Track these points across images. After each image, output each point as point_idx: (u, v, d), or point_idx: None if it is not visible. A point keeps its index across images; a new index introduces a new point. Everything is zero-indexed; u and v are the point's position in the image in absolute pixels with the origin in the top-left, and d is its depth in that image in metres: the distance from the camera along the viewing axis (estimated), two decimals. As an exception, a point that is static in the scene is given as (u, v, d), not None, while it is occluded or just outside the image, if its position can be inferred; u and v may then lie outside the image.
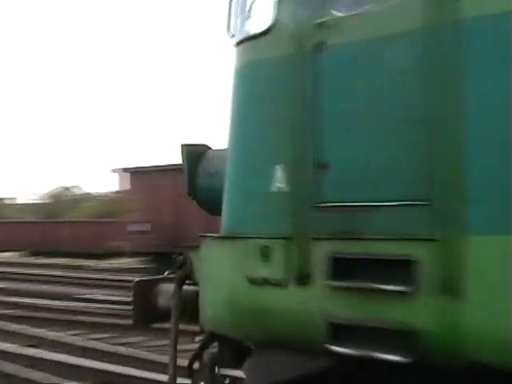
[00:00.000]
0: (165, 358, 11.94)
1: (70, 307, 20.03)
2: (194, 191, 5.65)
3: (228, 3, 5.07)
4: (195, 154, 5.65)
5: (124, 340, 14.92)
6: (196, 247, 5.08)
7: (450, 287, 3.62)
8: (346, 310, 3.98)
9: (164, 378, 10.78)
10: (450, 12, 3.69)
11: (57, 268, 34.59)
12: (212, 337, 5.38)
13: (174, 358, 5.24)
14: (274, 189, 4.33)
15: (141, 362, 11.95)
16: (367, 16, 4.02)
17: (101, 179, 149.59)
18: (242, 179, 4.63)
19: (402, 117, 3.84)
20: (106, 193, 51.99)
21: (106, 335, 15.54)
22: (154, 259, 25.09)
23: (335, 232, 4.06)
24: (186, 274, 5.20)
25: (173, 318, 5.23)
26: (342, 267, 3.98)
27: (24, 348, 13.55)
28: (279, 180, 4.30)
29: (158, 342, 14.27)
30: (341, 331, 3.98)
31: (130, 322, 17.45)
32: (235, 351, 5.05)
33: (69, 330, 16.23)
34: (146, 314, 5.53)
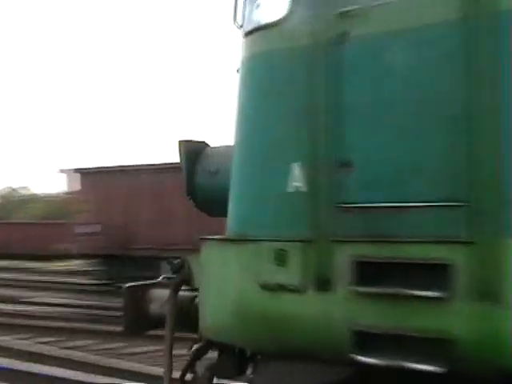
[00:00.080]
0: (115, 362, 11.80)
1: (17, 311, 19.53)
2: (192, 190, 5.31)
3: None
4: (193, 151, 5.31)
5: (71, 344, 14.61)
6: (183, 250, 4.78)
7: (488, 292, 3.43)
8: (373, 317, 3.75)
9: (112, 380, 10.57)
10: (487, 3, 3.52)
11: (3, 270, 33.67)
12: (207, 346, 5.10)
13: (170, 368, 4.93)
14: (290, 188, 4.06)
15: (90, 367, 11.66)
16: (396, 6, 3.80)
17: (48, 180, 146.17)
18: (253, 178, 4.32)
19: (437, 113, 3.64)
20: (58, 193, 50.78)
21: (53, 339, 15.23)
22: (104, 262, 24.55)
23: (360, 234, 3.82)
24: (183, 280, 4.89)
25: (167, 326, 4.91)
26: (368, 272, 3.75)
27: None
28: (296, 179, 4.03)
29: (107, 346, 14.17)
30: (366, 340, 3.75)
31: (77, 325, 17.14)
32: (237, 360, 4.77)
33: (15, 333, 15.75)
34: (137, 321, 5.18)
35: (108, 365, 11.56)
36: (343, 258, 3.82)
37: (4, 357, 12.62)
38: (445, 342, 3.52)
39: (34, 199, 59.78)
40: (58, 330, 16.19)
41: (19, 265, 36.79)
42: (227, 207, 4.68)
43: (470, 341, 3.48)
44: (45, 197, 58.56)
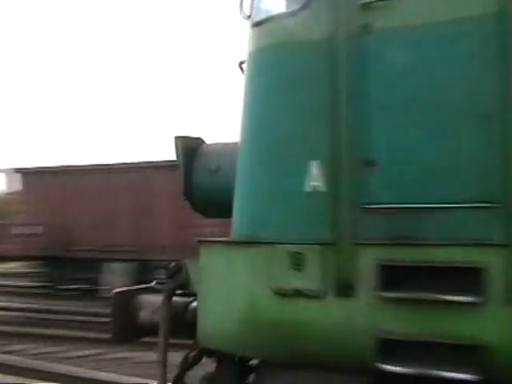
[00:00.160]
0: (55, 367, 11.39)
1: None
2: (190, 190, 4.99)
3: None
4: (191, 147, 5.01)
5: (8, 348, 14.16)
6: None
7: None
8: (399, 323, 3.57)
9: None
10: None
11: None
12: (199, 355, 4.83)
13: (164, 380, 4.63)
14: (307, 188, 3.83)
15: (27, 371, 11.27)
16: None
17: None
18: (265, 176, 4.06)
19: (469, 110, 3.49)
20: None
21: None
22: (45, 263, 23.82)
23: (384, 236, 3.63)
24: (179, 285, 4.60)
25: (161, 333, 4.62)
26: (393, 276, 3.57)
27: None
28: (314, 178, 3.81)
29: (43, 350, 13.90)
30: (391, 347, 3.57)
31: (17, 329, 16.57)
32: (237, 369, 4.52)
33: None
34: (126, 328, 4.86)
35: (47, 369, 11.19)
36: (367, 262, 3.63)
37: None
38: (477, 349, 3.38)
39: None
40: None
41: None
42: (227, 207, 4.42)
43: (504, 347, 3.36)
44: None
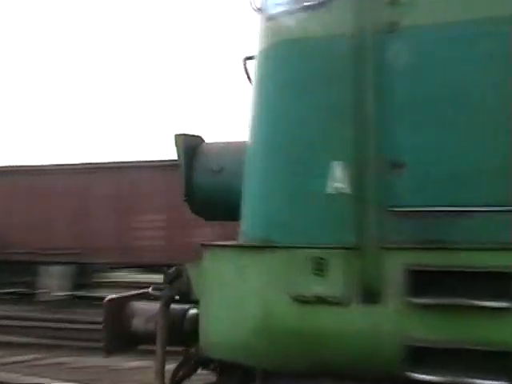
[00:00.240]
0: (20, 378, 10.91)
1: None
2: (191, 191, 4.74)
3: None
4: (191, 146, 4.75)
5: None
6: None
7: None
8: (428, 330, 3.46)
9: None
10: None
11: None
12: (196, 366, 4.62)
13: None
14: (329, 189, 3.68)
15: None
16: None
17: None
18: (282, 178, 3.87)
19: (501, 110, 3.42)
20: None
21: None
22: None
23: (413, 240, 3.52)
24: (179, 291, 4.36)
25: (159, 342, 4.37)
26: (422, 282, 3.46)
27: None
28: (338, 179, 3.66)
29: (7, 360, 13.07)
30: (420, 355, 3.46)
31: None
32: (241, 380, 4.31)
33: None
34: (118, 338, 4.57)
35: (6, 380, 10.59)
36: (395, 267, 3.50)
37: None
38: (510, 355, 3.30)
39: None
40: None
41: None
42: (231, 210, 4.23)
43: None
44: None
